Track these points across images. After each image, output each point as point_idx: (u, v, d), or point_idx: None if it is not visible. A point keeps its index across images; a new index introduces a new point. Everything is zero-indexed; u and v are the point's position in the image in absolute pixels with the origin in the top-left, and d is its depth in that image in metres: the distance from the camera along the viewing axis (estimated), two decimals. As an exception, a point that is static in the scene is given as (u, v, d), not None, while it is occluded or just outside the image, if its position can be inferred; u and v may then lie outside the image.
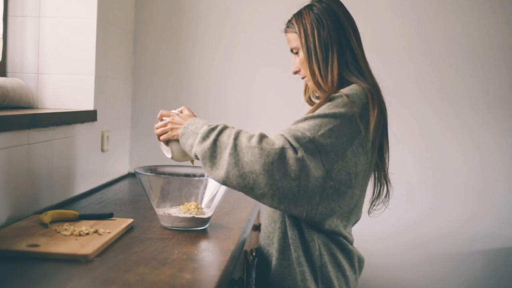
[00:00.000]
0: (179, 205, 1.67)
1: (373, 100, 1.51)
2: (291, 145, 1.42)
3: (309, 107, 1.70)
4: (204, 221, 1.67)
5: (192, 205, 1.66)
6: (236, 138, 1.44)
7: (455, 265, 2.78)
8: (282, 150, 1.40)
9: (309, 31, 1.58)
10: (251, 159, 1.40)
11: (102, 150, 2.40)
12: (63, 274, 1.23)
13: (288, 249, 1.54)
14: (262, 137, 1.44)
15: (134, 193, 2.31)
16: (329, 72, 1.57)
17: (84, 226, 1.55)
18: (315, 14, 1.59)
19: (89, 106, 2.22)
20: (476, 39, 2.73)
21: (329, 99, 1.52)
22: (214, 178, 1.47)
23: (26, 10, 2.17)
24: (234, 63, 2.79)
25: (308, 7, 1.62)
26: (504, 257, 2.77)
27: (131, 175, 2.73)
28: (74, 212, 1.68)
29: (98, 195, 2.20)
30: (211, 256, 1.45)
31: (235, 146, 1.43)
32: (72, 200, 2.07)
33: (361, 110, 1.49)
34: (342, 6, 1.64)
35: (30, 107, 2.13)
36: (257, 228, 2.16)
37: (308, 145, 1.42)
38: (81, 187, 2.18)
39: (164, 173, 1.75)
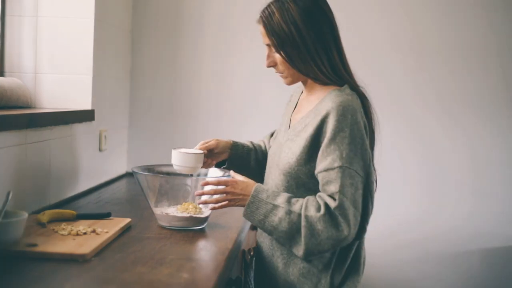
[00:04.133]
0: (176, 204, 1.67)
1: (366, 109, 1.60)
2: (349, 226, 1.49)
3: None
4: (202, 220, 1.67)
5: (190, 204, 1.66)
6: (306, 209, 1.50)
7: (452, 264, 2.78)
8: (348, 238, 1.50)
9: (285, 33, 1.56)
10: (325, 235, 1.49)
11: (100, 150, 2.40)
12: (61, 274, 1.23)
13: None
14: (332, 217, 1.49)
15: (132, 193, 2.31)
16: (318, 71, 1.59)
17: (82, 225, 1.55)
18: (290, 14, 1.55)
19: (87, 106, 2.22)
20: (470, 39, 2.73)
21: (339, 129, 1.52)
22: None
23: (23, 9, 2.17)
24: (232, 62, 2.79)
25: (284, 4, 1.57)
26: (501, 256, 2.77)
27: (129, 175, 2.73)
28: (72, 211, 1.68)
29: (96, 194, 2.20)
30: (208, 256, 1.46)
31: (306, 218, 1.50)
32: (70, 200, 2.07)
33: (362, 123, 1.55)
34: (317, 4, 1.59)
35: (27, 106, 2.13)
36: (255, 227, 2.16)
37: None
38: (79, 187, 2.18)
39: (161, 173, 1.75)
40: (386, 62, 2.75)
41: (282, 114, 1.85)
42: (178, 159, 1.65)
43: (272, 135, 1.94)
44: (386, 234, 2.76)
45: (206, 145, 1.75)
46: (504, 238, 2.77)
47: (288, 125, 1.70)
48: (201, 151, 1.70)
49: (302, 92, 1.76)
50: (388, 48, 2.75)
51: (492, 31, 2.72)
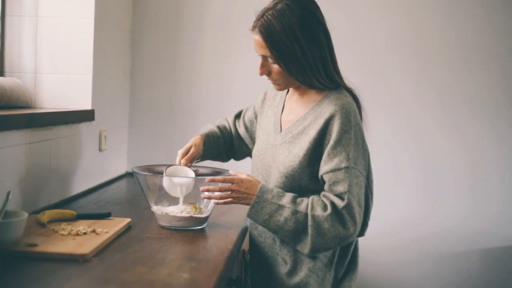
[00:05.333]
0: (176, 204, 1.67)
1: (359, 110, 1.64)
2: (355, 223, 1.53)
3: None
4: (202, 220, 1.67)
5: (189, 204, 1.66)
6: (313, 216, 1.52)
7: (451, 263, 2.79)
8: (353, 235, 1.53)
9: (284, 46, 1.54)
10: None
11: (100, 150, 2.40)
12: (61, 274, 1.23)
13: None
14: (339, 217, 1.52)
15: (132, 193, 2.31)
16: (314, 78, 1.60)
17: (82, 225, 1.55)
18: (291, 27, 1.52)
19: (87, 106, 2.22)
20: (470, 39, 2.73)
21: (344, 131, 1.54)
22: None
23: (23, 9, 2.17)
24: (232, 62, 2.79)
25: (279, 14, 1.54)
26: (500, 256, 2.78)
27: (129, 175, 2.73)
28: (72, 211, 1.68)
29: (96, 194, 2.20)
30: (208, 256, 1.46)
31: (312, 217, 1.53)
32: (70, 200, 2.07)
33: (361, 124, 1.61)
34: (308, 8, 1.57)
35: (27, 106, 2.13)
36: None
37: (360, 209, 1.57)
38: (79, 187, 2.18)
39: (161, 173, 1.75)
40: (385, 62, 2.75)
41: (258, 111, 1.85)
42: (172, 188, 1.65)
43: (238, 116, 1.95)
44: (385, 233, 2.76)
45: (188, 156, 1.74)
46: (502, 238, 2.77)
47: (279, 127, 1.70)
48: (192, 175, 1.68)
49: (287, 92, 1.76)
50: (388, 48, 2.75)
51: (492, 31, 2.72)
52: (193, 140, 1.81)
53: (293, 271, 1.62)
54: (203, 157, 1.85)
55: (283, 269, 1.64)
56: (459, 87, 2.75)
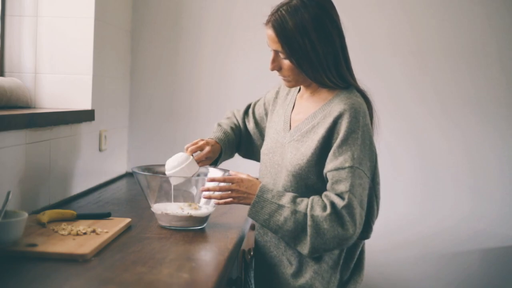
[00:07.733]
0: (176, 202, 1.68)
1: (370, 112, 1.63)
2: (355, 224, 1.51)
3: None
4: (202, 220, 1.67)
5: (186, 204, 1.67)
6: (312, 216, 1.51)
7: (451, 263, 2.79)
8: (353, 237, 1.51)
9: (298, 43, 1.54)
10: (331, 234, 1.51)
11: (100, 150, 2.40)
12: (61, 274, 1.23)
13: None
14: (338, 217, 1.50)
15: (132, 193, 2.31)
16: (324, 77, 1.59)
17: (82, 225, 1.55)
18: (304, 24, 1.53)
19: (87, 106, 2.22)
20: (470, 39, 2.73)
21: (351, 130, 1.53)
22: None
23: (23, 9, 2.17)
24: (232, 62, 2.79)
25: (293, 10, 1.54)
26: (500, 256, 2.78)
27: (129, 175, 2.73)
28: (72, 211, 1.68)
29: (96, 194, 2.21)
30: (208, 256, 1.46)
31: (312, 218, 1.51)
32: (70, 200, 2.07)
33: (370, 125, 1.60)
34: (325, 10, 1.58)
35: (27, 106, 2.13)
36: (253, 227, 2.16)
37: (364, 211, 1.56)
38: (79, 187, 2.18)
39: (161, 173, 1.75)
40: (385, 61, 2.75)
41: (269, 108, 1.84)
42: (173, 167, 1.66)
43: (246, 112, 1.93)
44: (385, 233, 2.76)
45: (200, 156, 1.72)
46: (502, 238, 2.77)
47: (289, 125, 1.70)
48: (193, 161, 1.66)
49: (298, 91, 1.76)
50: (387, 47, 2.75)
51: (492, 31, 2.72)
52: (212, 147, 1.76)
53: (298, 272, 1.62)
54: (219, 162, 1.84)
55: (288, 270, 1.63)
56: (459, 87, 2.75)
